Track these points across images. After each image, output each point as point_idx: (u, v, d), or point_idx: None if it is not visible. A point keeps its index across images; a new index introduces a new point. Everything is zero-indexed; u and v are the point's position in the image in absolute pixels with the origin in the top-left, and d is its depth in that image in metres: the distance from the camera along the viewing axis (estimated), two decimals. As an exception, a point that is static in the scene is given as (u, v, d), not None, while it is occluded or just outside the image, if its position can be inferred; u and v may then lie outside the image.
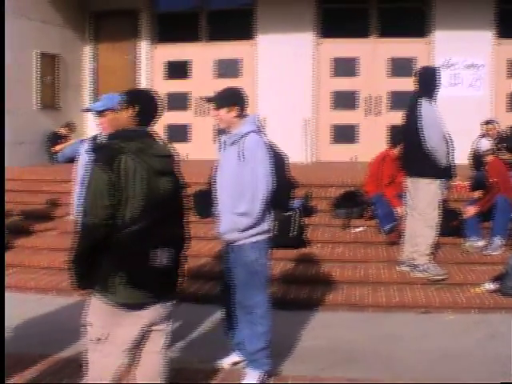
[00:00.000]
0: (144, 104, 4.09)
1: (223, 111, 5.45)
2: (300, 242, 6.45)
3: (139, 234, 3.80)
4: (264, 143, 5.43)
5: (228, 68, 14.51)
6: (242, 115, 5.48)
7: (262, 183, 5.29)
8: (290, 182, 5.87)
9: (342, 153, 13.84)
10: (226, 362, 5.81)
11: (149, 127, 4.09)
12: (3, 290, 3.71)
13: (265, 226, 5.42)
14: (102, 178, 3.77)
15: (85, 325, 3.97)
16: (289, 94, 13.37)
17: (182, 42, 14.83)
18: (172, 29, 14.99)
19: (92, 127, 12.62)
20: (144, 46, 14.99)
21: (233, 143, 5.43)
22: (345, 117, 14.10)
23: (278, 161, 5.55)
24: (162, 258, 3.87)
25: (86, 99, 15.07)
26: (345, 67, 14.11)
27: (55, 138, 13.76)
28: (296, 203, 8.75)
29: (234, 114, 5.44)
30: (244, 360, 5.63)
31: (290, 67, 13.51)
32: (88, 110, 5.89)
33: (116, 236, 3.78)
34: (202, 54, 14.69)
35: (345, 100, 14.08)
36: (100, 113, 5.62)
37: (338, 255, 8.82)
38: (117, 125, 4.12)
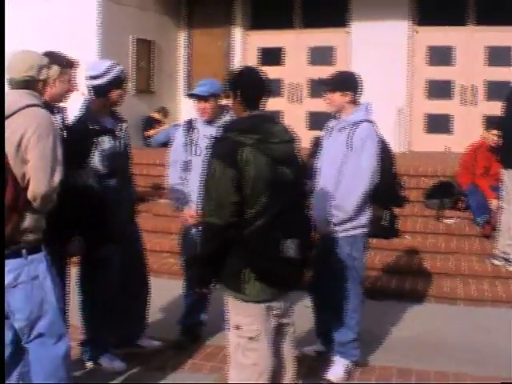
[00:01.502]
0: (247, 86, 3.90)
1: (336, 95, 5.27)
2: (391, 231, 6.37)
3: (266, 228, 3.64)
4: (376, 135, 5.24)
5: (321, 55, 14.43)
6: (355, 101, 5.32)
7: (364, 177, 5.11)
8: (396, 177, 5.64)
9: (436, 143, 13.58)
10: (313, 350, 5.79)
11: (260, 110, 3.90)
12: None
13: (362, 220, 5.25)
14: (224, 174, 3.61)
15: (235, 326, 3.90)
16: (383, 83, 13.15)
17: (275, 29, 14.77)
18: (266, 15, 14.96)
19: (185, 112, 12.77)
20: (237, 33, 15.06)
21: (341, 130, 5.25)
22: (439, 106, 13.82)
23: (387, 155, 5.36)
24: (291, 249, 3.67)
25: (180, 85, 15.27)
26: (440, 56, 13.81)
27: (150, 123, 14.02)
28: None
29: (347, 99, 5.26)
30: (331, 349, 5.60)
31: (385, 55, 13.28)
32: (192, 95, 5.89)
33: (243, 233, 3.65)
34: (296, 41, 14.65)
35: (440, 89, 13.78)
36: (204, 98, 5.68)
37: (430, 246, 8.70)
38: (220, 111, 4.00)
